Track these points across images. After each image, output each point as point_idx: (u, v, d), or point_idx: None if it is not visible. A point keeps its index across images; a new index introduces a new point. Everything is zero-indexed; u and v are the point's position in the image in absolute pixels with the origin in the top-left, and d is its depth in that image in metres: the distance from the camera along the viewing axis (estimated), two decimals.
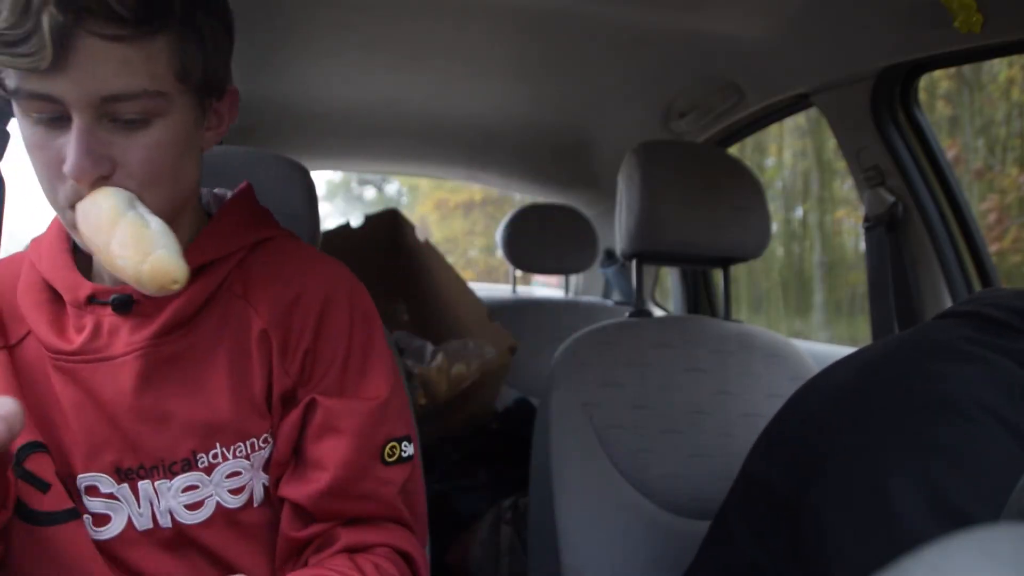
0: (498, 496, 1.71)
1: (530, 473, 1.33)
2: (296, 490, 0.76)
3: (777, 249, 3.76)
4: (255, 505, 0.78)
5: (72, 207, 0.68)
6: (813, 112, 1.65)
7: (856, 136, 1.49)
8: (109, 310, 0.75)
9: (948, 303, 1.42)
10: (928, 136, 1.44)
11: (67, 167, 0.64)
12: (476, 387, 1.84)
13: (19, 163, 1.00)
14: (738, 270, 1.90)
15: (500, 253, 2.45)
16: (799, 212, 3.83)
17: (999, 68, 2.80)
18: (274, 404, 0.77)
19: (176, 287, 0.64)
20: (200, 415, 0.74)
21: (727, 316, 1.47)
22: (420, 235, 1.98)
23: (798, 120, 3.32)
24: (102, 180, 0.67)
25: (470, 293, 1.99)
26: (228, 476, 0.76)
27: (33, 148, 0.67)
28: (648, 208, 1.30)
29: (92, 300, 0.75)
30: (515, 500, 1.65)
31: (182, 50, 0.67)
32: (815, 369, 1.35)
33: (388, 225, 1.99)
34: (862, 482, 0.76)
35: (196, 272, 0.75)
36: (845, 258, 3.59)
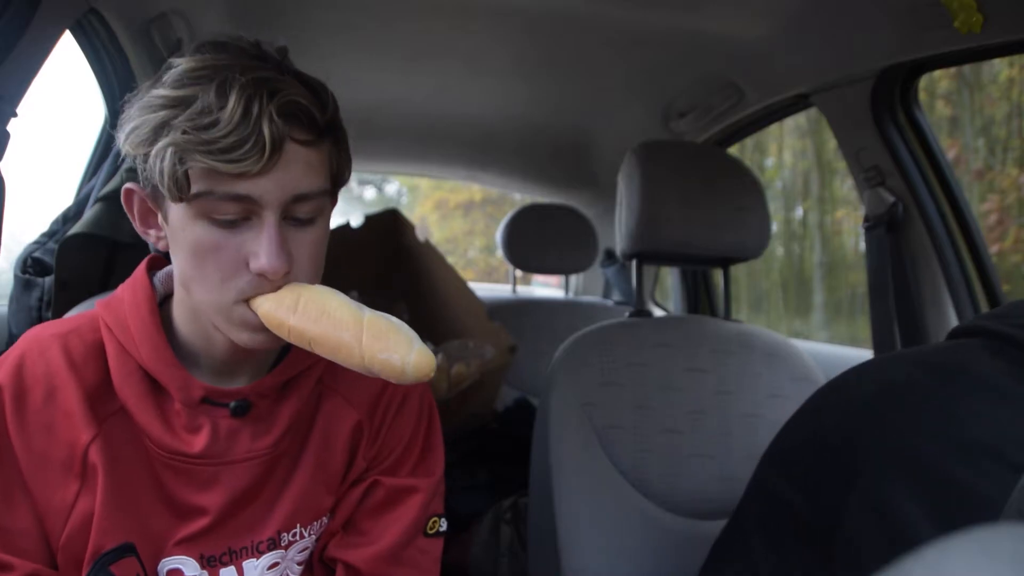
0: (498, 496, 1.71)
1: (530, 473, 1.33)
2: (354, 554, 0.82)
3: (777, 249, 3.76)
4: (303, 570, 0.84)
5: (246, 302, 0.69)
6: (813, 112, 1.65)
7: (856, 136, 1.48)
8: (225, 412, 0.76)
9: (948, 303, 1.42)
10: (928, 136, 1.44)
11: (261, 263, 0.66)
12: (476, 387, 1.84)
13: (18, 163, 1.00)
14: (738, 270, 1.91)
15: (500, 253, 2.45)
16: (799, 212, 3.83)
17: (999, 68, 2.80)
18: (345, 484, 0.84)
19: (429, 378, 0.67)
20: (291, 503, 0.79)
21: (727, 316, 1.47)
22: (420, 235, 1.98)
23: (798, 120, 3.32)
24: (285, 276, 0.69)
25: (470, 293, 1.99)
26: (301, 551, 0.82)
27: (209, 249, 0.68)
28: (648, 208, 1.30)
29: (205, 400, 0.75)
30: (515, 500, 1.65)
31: (336, 155, 0.74)
32: (815, 369, 1.35)
33: (388, 225, 1.99)
34: (889, 515, 0.73)
35: (302, 372, 0.80)
36: (845, 258, 3.59)
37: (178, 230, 0.69)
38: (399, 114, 2.09)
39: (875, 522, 0.75)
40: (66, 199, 1.27)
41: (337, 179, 0.75)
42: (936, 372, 0.80)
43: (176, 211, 0.68)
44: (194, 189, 0.65)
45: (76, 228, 1.09)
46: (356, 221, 1.96)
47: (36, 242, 1.14)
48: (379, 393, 0.85)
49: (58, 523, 0.71)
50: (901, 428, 0.77)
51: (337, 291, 0.71)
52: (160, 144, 0.64)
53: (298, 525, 0.80)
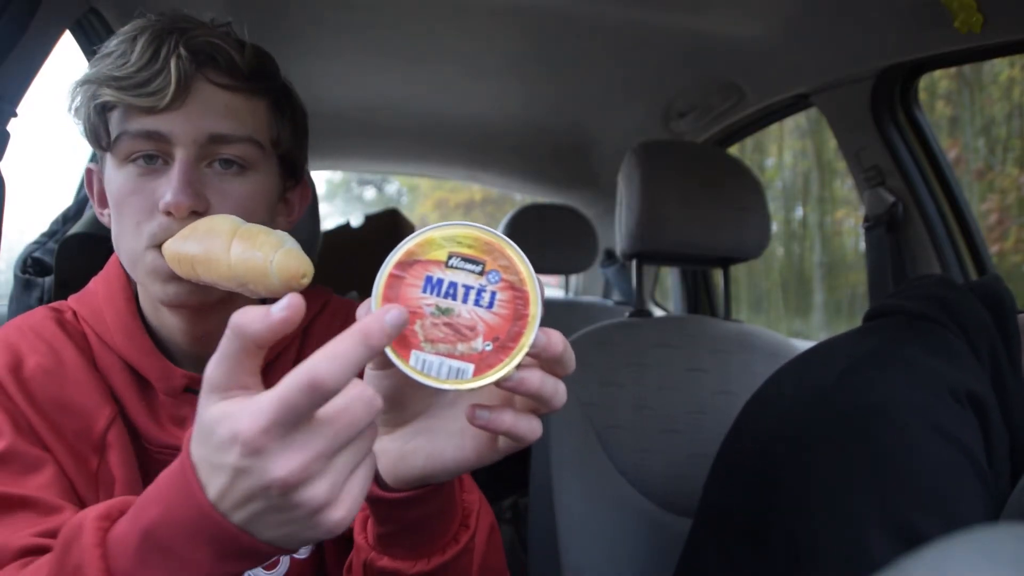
0: (498, 496, 1.71)
1: (530, 473, 1.33)
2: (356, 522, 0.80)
3: (777, 249, 3.76)
4: (310, 553, 0.81)
5: (157, 248, 0.68)
6: (813, 112, 1.65)
7: (856, 136, 1.48)
8: None
9: None
10: (928, 136, 1.44)
11: (166, 199, 0.66)
12: None
13: (18, 163, 1.00)
14: (738, 270, 1.91)
15: None
16: (799, 212, 3.83)
17: (999, 68, 2.80)
18: None
19: (304, 282, 0.61)
20: None
21: (727, 316, 1.47)
22: None
23: (798, 120, 3.32)
24: (194, 216, 0.68)
25: None
26: None
27: (126, 193, 0.69)
28: (648, 208, 1.30)
29: (188, 390, 0.74)
30: (515, 500, 1.65)
31: (276, 120, 0.75)
32: None
33: (388, 225, 2.00)
34: (819, 505, 0.78)
35: (280, 353, 0.78)
36: (845, 258, 3.59)
37: (109, 185, 0.71)
38: (399, 114, 2.09)
39: (804, 517, 0.79)
40: (66, 199, 1.27)
41: (277, 142, 0.75)
42: (843, 355, 0.85)
43: (108, 167, 0.71)
44: (112, 133, 0.68)
45: (76, 228, 1.08)
46: (356, 221, 1.96)
47: (36, 242, 1.14)
48: None
49: (90, 493, 0.70)
50: (817, 413, 0.81)
51: (236, 216, 0.67)
52: (79, 86, 0.69)
53: None
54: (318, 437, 0.41)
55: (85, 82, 0.68)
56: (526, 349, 0.47)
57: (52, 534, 0.62)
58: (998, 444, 0.77)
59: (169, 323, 0.74)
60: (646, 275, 1.92)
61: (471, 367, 0.47)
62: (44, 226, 1.17)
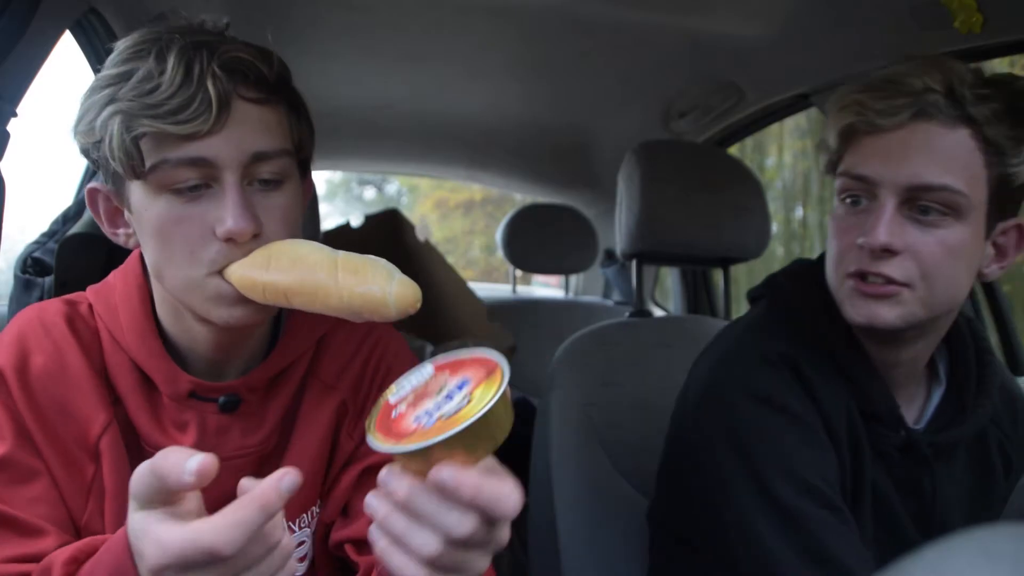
0: None
1: (530, 473, 1.32)
2: (355, 527, 0.79)
3: (777, 249, 3.75)
4: (308, 566, 0.81)
5: (218, 273, 0.67)
6: (813, 112, 1.65)
7: None
8: (214, 408, 0.74)
9: None
10: None
11: (227, 225, 0.65)
12: None
13: (18, 163, 1.00)
14: (738, 270, 1.90)
15: (500, 253, 2.45)
16: (799, 212, 3.83)
17: (999, 68, 2.79)
18: (333, 470, 0.81)
19: (418, 306, 0.64)
20: None
21: (727, 316, 1.47)
22: (420, 235, 1.98)
23: (798, 120, 3.32)
24: (255, 240, 0.67)
25: (470, 293, 1.99)
26: (297, 546, 0.78)
27: (172, 222, 0.66)
28: (648, 208, 1.30)
29: (193, 395, 0.73)
30: None
31: (295, 124, 0.73)
32: None
33: (388, 225, 1.99)
34: (712, 505, 0.88)
35: (291, 365, 0.78)
36: None
37: (142, 213, 0.68)
38: (399, 114, 2.09)
39: (708, 518, 0.88)
40: (66, 199, 1.27)
41: (300, 147, 0.74)
42: (710, 352, 1.00)
43: (137, 194, 0.67)
44: (148, 162, 0.65)
45: (76, 228, 1.08)
46: (356, 221, 1.96)
47: (36, 242, 1.14)
48: (363, 367, 0.82)
49: (80, 501, 0.70)
50: (704, 414, 0.92)
51: (308, 240, 0.68)
52: (106, 115, 0.64)
53: (285, 520, 0.78)
54: (221, 570, 0.48)
55: (117, 112, 0.63)
56: (431, 443, 0.48)
57: (29, 559, 0.63)
58: (823, 390, 0.85)
59: (196, 331, 0.73)
60: (646, 275, 1.92)
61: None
62: (44, 226, 1.17)
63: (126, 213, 0.71)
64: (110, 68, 0.66)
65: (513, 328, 1.99)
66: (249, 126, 0.67)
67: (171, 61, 0.63)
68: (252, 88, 0.67)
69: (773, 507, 0.79)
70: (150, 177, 0.65)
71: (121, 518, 0.68)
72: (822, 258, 0.91)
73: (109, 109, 0.64)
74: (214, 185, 0.66)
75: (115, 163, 0.65)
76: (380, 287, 0.63)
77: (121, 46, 0.67)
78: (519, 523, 1.79)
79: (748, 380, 0.86)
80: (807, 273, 0.94)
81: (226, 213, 0.65)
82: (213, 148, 0.65)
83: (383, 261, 0.66)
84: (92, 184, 0.72)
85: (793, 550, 0.78)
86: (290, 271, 0.65)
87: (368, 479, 0.80)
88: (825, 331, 0.88)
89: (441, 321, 2.01)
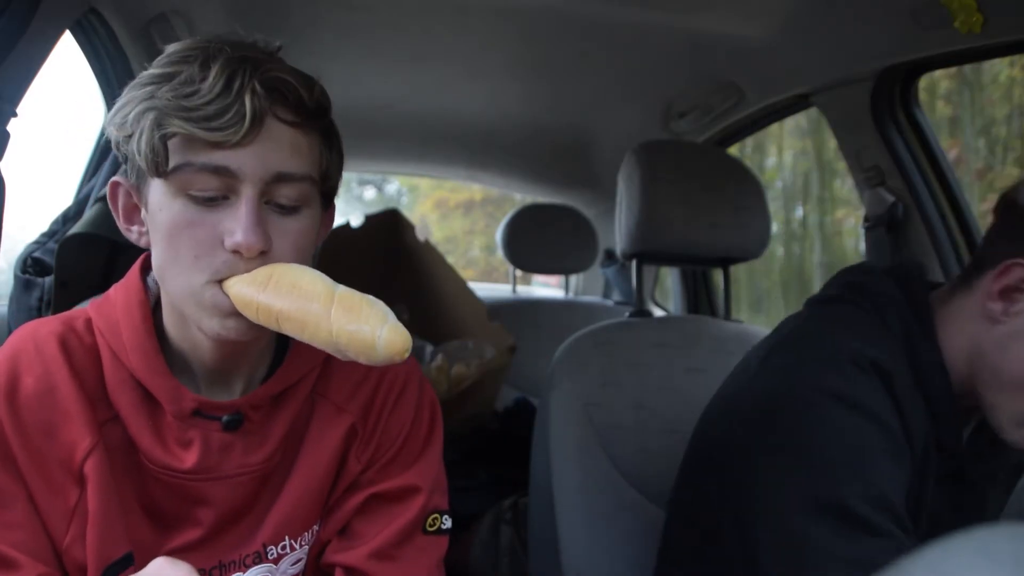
0: (498, 496, 1.71)
1: (530, 473, 1.32)
2: (350, 555, 0.79)
3: (777, 249, 3.75)
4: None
5: (218, 283, 0.67)
6: (813, 112, 1.65)
7: (856, 136, 1.48)
8: (217, 426, 0.74)
9: None
10: (928, 136, 1.44)
11: (236, 238, 0.65)
12: (476, 387, 1.84)
13: (18, 163, 1.00)
14: (738, 270, 1.90)
15: (500, 253, 2.45)
16: (799, 212, 3.82)
17: (999, 68, 2.79)
18: (337, 491, 0.81)
19: (406, 356, 0.63)
20: (280, 516, 0.77)
21: (727, 316, 1.47)
22: (420, 235, 1.98)
23: (798, 120, 3.32)
24: (261, 257, 0.67)
25: (470, 293, 1.99)
26: (293, 563, 0.80)
27: (183, 225, 0.67)
28: (648, 208, 1.30)
29: (196, 414, 0.73)
30: (515, 500, 1.65)
31: (326, 153, 0.73)
32: None
33: (388, 225, 1.99)
34: (756, 502, 0.83)
35: (296, 383, 0.78)
36: (845, 258, 3.58)
37: (157, 212, 0.68)
38: (399, 114, 2.09)
39: (748, 516, 0.84)
40: (66, 199, 1.27)
41: (326, 176, 0.74)
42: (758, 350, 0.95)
43: (156, 193, 0.68)
44: (173, 162, 0.65)
45: (76, 228, 1.08)
46: (356, 221, 1.96)
47: (36, 242, 1.14)
48: (373, 392, 0.82)
49: (61, 525, 0.70)
50: (747, 407, 0.89)
51: (315, 269, 0.68)
52: (140, 110, 0.65)
53: (287, 537, 0.78)
54: None
55: (151, 109, 0.64)
56: None
57: None
58: (911, 407, 0.82)
59: (198, 340, 0.73)
60: (646, 275, 1.92)
61: None
62: (44, 226, 1.17)
63: (143, 211, 0.72)
64: (155, 68, 0.67)
65: (513, 328, 1.99)
66: (278, 145, 0.67)
67: (214, 70, 0.64)
68: (289, 110, 0.68)
69: (838, 514, 0.76)
70: (171, 177, 0.66)
71: (104, 542, 0.69)
72: (906, 266, 0.90)
73: (144, 105, 0.65)
74: (232, 197, 0.67)
75: (140, 159, 0.65)
76: (371, 329, 0.62)
77: (170, 49, 0.68)
78: (519, 523, 1.79)
79: (834, 384, 0.81)
80: (910, 285, 0.91)
81: (237, 225, 0.65)
82: (238, 160, 0.65)
83: (381, 304, 0.65)
84: (115, 178, 0.73)
85: (842, 559, 0.74)
86: (287, 296, 0.65)
87: (374, 505, 0.81)
88: (922, 356, 0.86)
89: (441, 321, 2.01)
